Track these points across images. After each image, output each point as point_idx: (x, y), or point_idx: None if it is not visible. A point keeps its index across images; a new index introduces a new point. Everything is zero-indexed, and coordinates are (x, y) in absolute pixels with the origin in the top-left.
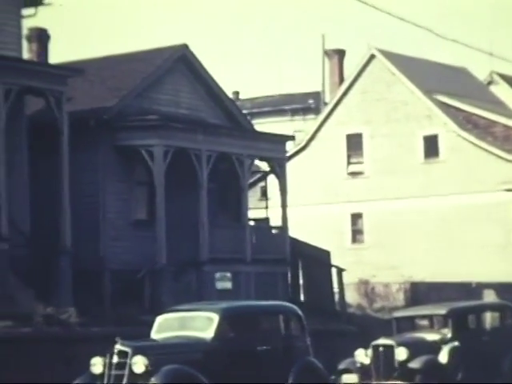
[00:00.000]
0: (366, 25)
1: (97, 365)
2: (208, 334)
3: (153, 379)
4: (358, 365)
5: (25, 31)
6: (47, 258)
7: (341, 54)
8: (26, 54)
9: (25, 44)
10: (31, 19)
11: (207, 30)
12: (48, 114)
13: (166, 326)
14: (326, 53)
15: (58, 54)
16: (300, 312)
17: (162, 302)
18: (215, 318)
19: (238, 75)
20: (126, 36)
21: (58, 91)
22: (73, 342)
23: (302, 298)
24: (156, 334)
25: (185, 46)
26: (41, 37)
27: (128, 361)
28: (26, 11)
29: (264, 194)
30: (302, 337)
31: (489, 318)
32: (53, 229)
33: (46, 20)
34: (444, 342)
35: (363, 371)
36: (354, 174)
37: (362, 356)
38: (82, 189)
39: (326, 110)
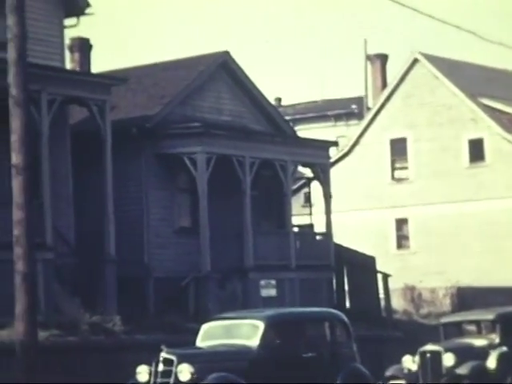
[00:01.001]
0: (408, 29)
1: (142, 373)
2: (253, 341)
3: None
4: (406, 371)
5: (67, 41)
6: (92, 266)
7: (383, 58)
8: (68, 64)
9: (67, 54)
10: (73, 29)
11: (249, 37)
12: (91, 123)
13: (211, 334)
14: (369, 57)
15: (100, 63)
16: (346, 318)
17: (206, 309)
18: (261, 325)
19: (280, 81)
20: (167, 44)
21: (101, 100)
22: (118, 350)
23: (347, 304)
24: (201, 342)
25: (226, 53)
26: (83, 46)
27: (173, 369)
28: (68, 21)
29: (308, 200)
30: (348, 343)
31: None
32: (97, 237)
33: (88, 29)
34: (492, 347)
35: (410, 378)
36: (398, 178)
37: (410, 362)
38: (125, 197)
39: (369, 115)
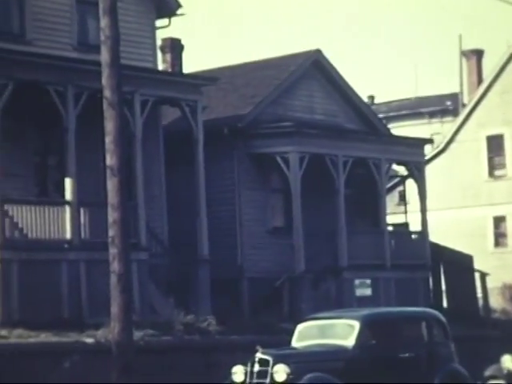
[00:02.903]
0: (504, 22)
1: (238, 373)
2: (349, 341)
3: None
4: (505, 371)
5: (159, 42)
6: (185, 266)
7: (479, 53)
8: (160, 65)
9: (159, 55)
10: (165, 30)
11: (340, 35)
12: (183, 124)
13: (306, 334)
14: (464, 53)
15: (191, 64)
16: (443, 318)
17: (300, 309)
18: (356, 325)
19: (373, 79)
20: (258, 43)
21: (192, 100)
22: (213, 350)
23: (444, 303)
24: (296, 342)
25: (318, 51)
26: (174, 47)
27: (269, 369)
28: (159, 22)
29: (402, 198)
30: (446, 343)
31: None
32: (190, 238)
33: (180, 30)
34: None
35: (510, 377)
36: (495, 176)
37: (509, 362)
38: (218, 197)
39: (464, 112)
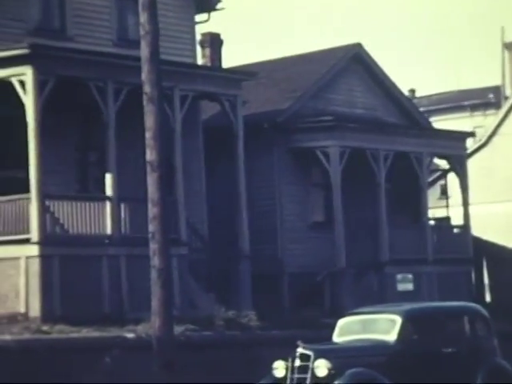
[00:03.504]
0: None
1: (279, 368)
2: (391, 336)
3: (336, 382)
4: None
5: (198, 37)
6: (226, 261)
7: None
8: (199, 60)
9: (198, 50)
10: (204, 25)
11: (381, 28)
12: (223, 119)
13: (347, 329)
14: (506, 45)
15: (231, 58)
16: (486, 312)
17: (342, 304)
18: (398, 320)
19: (414, 72)
20: (298, 37)
21: (232, 95)
22: (254, 345)
23: (487, 298)
24: (338, 337)
25: (358, 45)
26: (214, 42)
27: (310, 364)
28: (199, 17)
29: (444, 192)
30: (489, 338)
31: None
32: (230, 233)
33: (219, 25)
34: None
35: None
36: None
37: None
38: (258, 192)
39: (507, 105)
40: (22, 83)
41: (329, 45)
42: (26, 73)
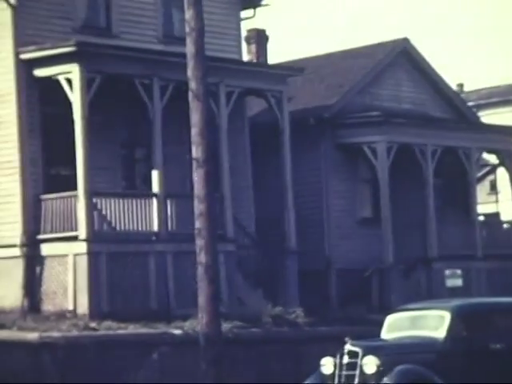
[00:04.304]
0: None
1: (327, 365)
2: (440, 333)
3: (385, 379)
4: None
5: (244, 33)
6: (273, 258)
7: None
8: (245, 56)
9: (244, 46)
10: (250, 21)
11: (428, 22)
12: (269, 115)
13: (396, 326)
14: None
15: (276, 54)
16: None
17: (390, 300)
18: (447, 316)
19: (462, 67)
20: (345, 32)
21: (278, 91)
22: (302, 342)
23: None
24: (386, 334)
25: (406, 40)
26: (260, 38)
27: (359, 361)
28: (244, 13)
29: (493, 187)
30: None
31: None
32: (277, 229)
33: (264, 21)
34: None
35: None
36: None
37: None
38: (305, 188)
39: None
40: (69, 81)
41: (376, 40)
42: (73, 71)
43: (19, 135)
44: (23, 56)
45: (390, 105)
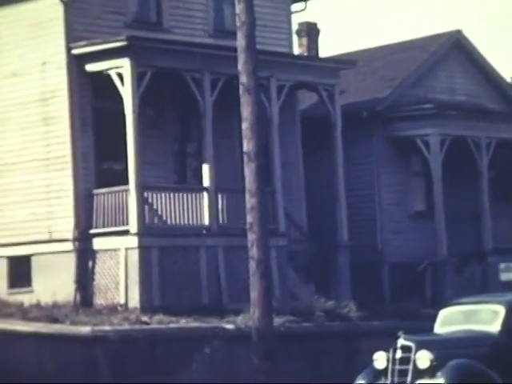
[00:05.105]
0: None
1: (380, 360)
2: (494, 327)
3: (439, 374)
4: None
5: (295, 26)
6: (325, 252)
7: None
8: (296, 49)
9: (295, 39)
10: (301, 14)
11: (481, 14)
12: (321, 108)
13: (450, 320)
14: None
15: (328, 48)
16: None
17: (443, 295)
18: (502, 310)
19: None
20: (397, 25)
21: (330, 85)
22: (354, 336)
23: None
24: (439, 328)
25: (459, 32)
26: (311, 31)
27: (412, 356)
28: (295, 6)
29: None
30: None
31: None
32: (329, 223)
33: (316, 14)
34: None
35: None
36: None
37: None
38: (356, 182)
39: None
40: (120, 76)
41: (429, 32)
42: (124, 65)
43: (71, 130)
44: (75, 51)
45: (444, 97)
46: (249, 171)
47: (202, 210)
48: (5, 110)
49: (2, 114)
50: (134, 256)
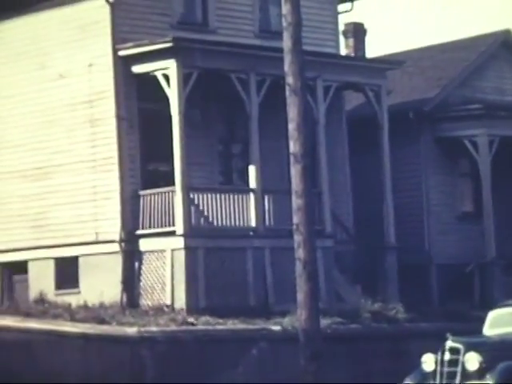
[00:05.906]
0: None
1: (428, 362)
2: None
3: (488, 376)
4: None
5: (341, 27)
6: (372, 253)
7: None
8: (343, 50)
9: (342, 40)
10: (347, 14)
11: None
12: (367, 109)
13: (499, 322)
14: None
15: (375, 48)
16: None
17: (492, 296)
18: None
19: None
20: (444, 25)
21: (376, 85)
22: (402, 338)
23: None
24: (488, 330)
25: (507, 32)
26: (357, 31)
27: (460, 358)
28: (341, 7)
29: None
30: None
31: None
32: (376, 224)
33: (362, 14)
34: None
35: None
36: None
37: None
38: (403, 182)
39: None
40: (167, 77)
41: (476, 32)
42: (170, 66)
43: (118, 131)
44: (121, 53)
45: (492, 97)
46: (295, 172)
47: (248, 211)
48: (52, 111)
49: (50, 115)
50: (180, 257)
